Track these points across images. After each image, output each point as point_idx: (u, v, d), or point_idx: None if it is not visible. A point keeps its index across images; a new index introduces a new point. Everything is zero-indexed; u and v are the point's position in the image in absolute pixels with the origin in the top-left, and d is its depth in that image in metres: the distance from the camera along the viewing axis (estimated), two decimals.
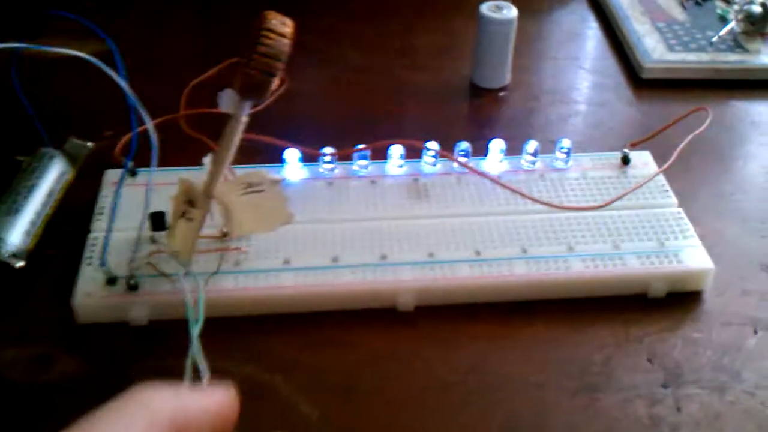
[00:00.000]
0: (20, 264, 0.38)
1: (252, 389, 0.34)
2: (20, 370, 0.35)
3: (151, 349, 0.36)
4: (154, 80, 0.52)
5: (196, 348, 0.31)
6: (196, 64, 0.51)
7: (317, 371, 0.35)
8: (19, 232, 0.39)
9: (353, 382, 0.35)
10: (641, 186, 0.42)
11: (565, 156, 0.44)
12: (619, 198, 0.41)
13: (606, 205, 0.40)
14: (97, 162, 0.44)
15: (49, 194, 0.41)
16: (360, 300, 0.38)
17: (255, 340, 0.36)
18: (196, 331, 0.32)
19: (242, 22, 0.58)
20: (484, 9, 0.51)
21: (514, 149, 0.44)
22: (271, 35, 0.31)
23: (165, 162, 0.40)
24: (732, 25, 0.57)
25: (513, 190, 0.41)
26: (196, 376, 0.30)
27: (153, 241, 0.38)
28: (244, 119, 0.33)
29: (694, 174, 0.46)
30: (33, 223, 0.40)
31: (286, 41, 0.32)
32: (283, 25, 0.32)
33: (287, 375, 0.35)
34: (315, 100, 0.53)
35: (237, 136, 0.34)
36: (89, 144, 0.45)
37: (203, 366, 0.30)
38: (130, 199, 0.41)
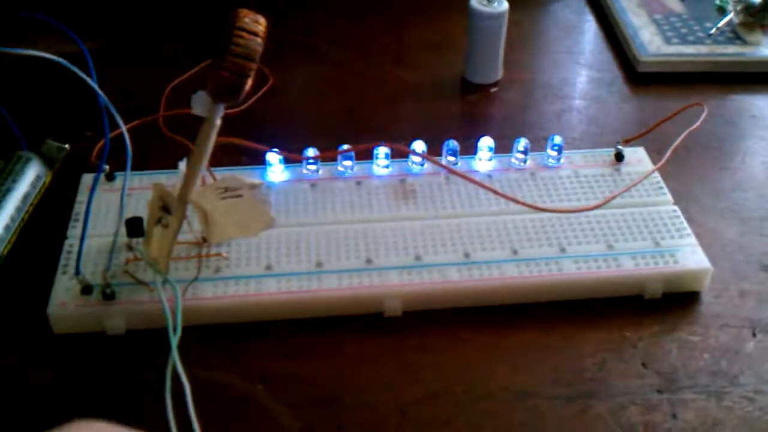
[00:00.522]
0: None
1: (232, 400, 0.33)
2: None
3: (129, 360, 0.35)
4: (135, 80, 0.52)
5: (175, 358, 0.30)
6: (177, 65, 0.50)
7: (299, 380, 0.34)
8: None
9: (336, 391, 0.34)
10: (636, 184, 0.41)
11: (556, 153, 0.43)
12: (612, 198, 0.39)
13: (597, 206, 0.39)
14: (76, 164, 0.43)
15: (25, 198, 0.40)
16: (345, 306, 0.36)
17: (234, 348, 0.35)
18: (174, 341, 0.30)
19: (226, 20, 0.58)
20: (474, 2, 0.49)
21: (506, 147, 0.43)
22: (243, 34, 0.30)
23: (144, 165, 0.39)
24: (731, 16, 0.56)
25: (497, 193, 0.39)
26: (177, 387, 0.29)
27: (130, 248, 0.36)
28: (218, 122, 0.32)
29: (691, 171, 0.45)
30: (7, 229, 0.38)
31: (259, 40, 0.30)
32: (255, 23, 0.30)
33: (268, 384, 0.34)
34: (302, 97, 0.51)
35: (211, 139, 0.32)
36: (66, 146, 0.43)
37: (184, 378, 0.29)
38: (107, 205, 0.40)
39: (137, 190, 0.40)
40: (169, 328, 0.31)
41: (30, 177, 0.41)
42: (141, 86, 0.50)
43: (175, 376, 0.29)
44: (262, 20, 0.30)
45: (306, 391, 0.33)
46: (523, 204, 0.39)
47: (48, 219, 0.40)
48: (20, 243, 0.39)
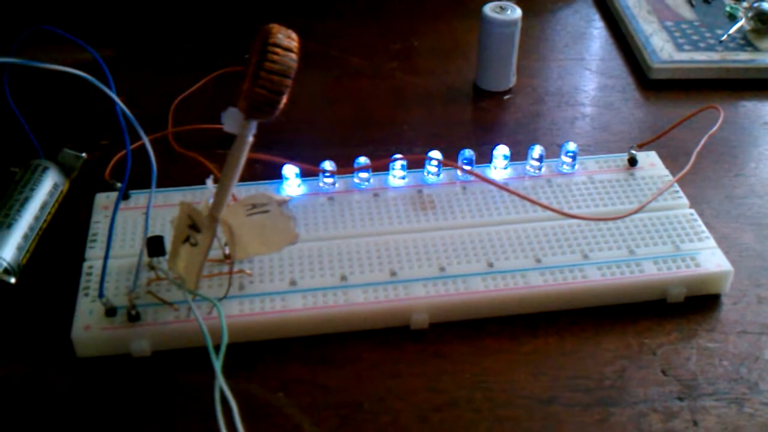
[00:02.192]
0: (12, 280, 0.37)
1: (254, 408, 0.33)
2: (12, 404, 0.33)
3: (156, 382, 0.34)
4: (143, 90, 0.52)
5: (221, 380, 0.29)
6: (183, 78, 0.50)
7: (320, 389, 0.34)
8: (11, 247, 0.38)
9: (357, 400, 0.34)
10: (669, 187, 0.41)
11: (571, 160, 0.43)
12: (641, 208, 0.39)
13: (628, 215, 0.39)
14: (92, 172, 0.43)
15: (43, 207, 0.40)
16: (373, 320, 0.36)
17: (255, 359, 0.35)
18: (218, 365, 0.29)
19: (231, 33, 0.58)
20: (487, 10, 0.50)
21: (519, 154, 0.43)
22: (278, 50, 0.29)
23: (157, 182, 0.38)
24: (742, 23, 0.56)
25: (526, 199, 0.39)
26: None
27: (151, 267, 0.36)
28: (250, 140, 0.32)
29: (704, 177, 0.45)
30: (26, 238, 0.39)
31: (294, 56, 0.30)
32: (288, 38, 0.30)
33: (289, 393, 0.34)
34: (313, 106, 0.51)
35: (243, 157, 0.32)
36: (83, 154, 0.43)
37: (231, 399, 0.29)
38: (123, 223, 0.39)
39: (153, 208, 0.39)
40: (210, 348, 0.30)
41: (48, 186, 0.41)
42: (149, 97, 0.50)
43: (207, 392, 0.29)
44: (294, 35, 0.30)
45: (326, 400, 0.33)
46: (562, 213, 0.38)
47: (66, 229, 0.41)
48: (38, 252, 0.39)
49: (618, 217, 0.39)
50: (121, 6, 0.61)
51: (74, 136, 0.47)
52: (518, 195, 0.39)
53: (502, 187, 0.40)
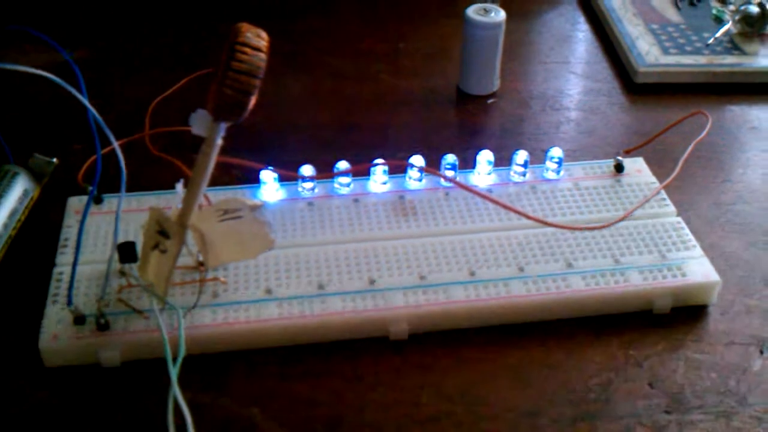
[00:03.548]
0: None
1: (229, 425, 0.32)
2: None
3: (125, 392, 0.33)
4: (118, 92, 0.50)
5: (176, 390, 0.28)
6: (160, 80, 0.49)
7: (297, 403, 0.33)
8: None
9: (336, 413, 0.32)
10: (656, 194, 0.41)
11: (556, 166, 0.42)
12: (626, 216, 0.38)
13: (613, 224, 0.38)
14: (66, 175, 0.42)
15: (12, 215, 0.39)
16: (350, 330, 0.35)
17: (228, 369, 0.34)
18: (174, 374, 0.29)
19: (209, 34, 0.57)
20: (471, 12, 0.49)
21: (503, 159, 0.42)
22: (246, 50, 0.28)
23: (130, 186, 0.37)
24: (728, 26, 0.55)
25: (508, 208, 0.38)
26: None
27: (122, 274, 0.35)
28: (219, 142, 0.31)
29: (691, 183, 0.44)
30: None
31: (263, 55, 0.29)
32: (257, 37, 0.29)
33: (264, 408, 0.33)
34: (294, 108, 0.50)
35: (212, 160, 0.31)
36: (54, 160, 0.42)
37: (185, 409, 0.28)
38: (96, 229, 0.38)
39: (126, 213, 0.38)
40: (168, 359, 0.30)
41: (17, 192, 0.40)
42: (125, 98, 0.49)
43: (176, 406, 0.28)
44: (264, 35, 0.29)
45: (304, 414, 0.32)
46: (545, 223, 0.38)
47: (36, 236, 0.39)
48: (8, 260, 0.38)
49: (602, 226, 0.38)
50: (99, 7, 0.59)
51: (46, 139, 0.45)
52: (500, 204, 0.38)
53: (484, 195, 0.39)
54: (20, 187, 0.40)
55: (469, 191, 0.40)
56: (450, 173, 0.41)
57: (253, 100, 0.29)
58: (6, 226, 0.38)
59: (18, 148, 0.42)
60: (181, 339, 0.30)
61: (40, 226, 0.40)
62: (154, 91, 0.48)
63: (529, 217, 0.38)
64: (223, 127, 0.31)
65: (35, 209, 0.41)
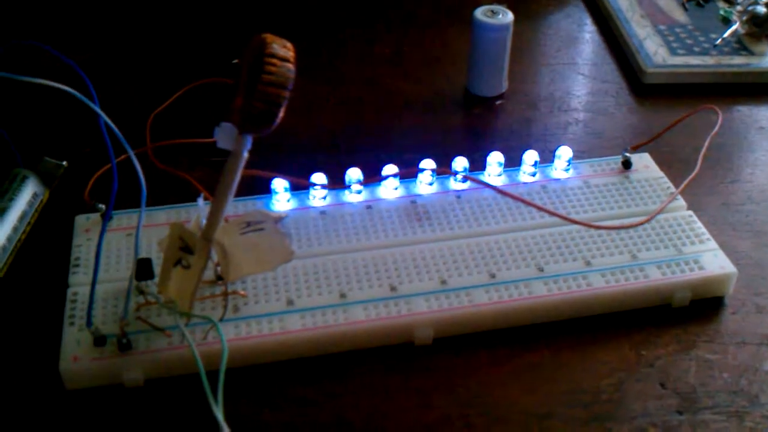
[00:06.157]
0: None
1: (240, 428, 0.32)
2: None
3: (151, 412, 0.33)
4: (120, 100, 0.50)
5: (219, 408, 0.28)
6: (156, 93, 0.49)
7: (308, 408, 0.33)
8: None
9: (348, 418, 0.32)
10: (681, 191, 0.40)
11: (566, 165, 0.42)
12: (661, 210, 0.39)
13: (639, 224, 0.38)
14: (73, 182, 0.42)
15: (22, 217, 0.39)
16: (375, 338, 0.35)
17: (246, 374, 0.34)
18: (220, 386, 0.28)
19: (206, 44, 0.56)
20: (479, 14, 0.49)
21: (512, 160, 0.42)
22: (275, 61, 0.28)
23: (132, 202, 0.36)
24: (736, 26, 0.55)
25: (533, 205, 0.38)
26: None
27: (140, 291, 0.34)
28: (245, 155, 0.30)
29: (700, 184, 0.44)
30: (4, 250, 0.37)
31: (291, 66, 0.28)
32: (284, 48, 0.28)
33: (274, 411, 0.33)
34: (301, 114, 0.50)
35: (238, 174, 0.30)
36: (63, 163, 0.42)
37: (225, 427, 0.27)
38: (108, 246, 0.37)
39: (132, 229, 0.37)
40: (203, 376, 0.29)
41: (27, 195, 0.40)
42: (123, 111, 0.49)
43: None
44: (289, 45, 0.29)
45: (315, 417, 0.32)
46: (572, 221, 0.37)
47: (46, 240, 0.39)
48: (17, 265, 0.38)
49: (629, 225, 0.38)
50: (91, 16, 0.59)
51: (55, 143, 0.45)
52: (524, 201, 0.38)
53: (510, 195, 0.38)
54: (30, 190, 0.40)
55: (495, 190, 0.39)
56: (460, 176, 0.41)
57: (282, 112, 0.29)
58: (16, 229, 0.38)
59: (27, 151, 0.42)
60: (224, 349, 0.30)
61: (48, 236, 0.40)
62: (152, 104, 0.48)
63: (553, 213, 0.38)
64: (250, 139, 0.30)
65: (42, 217, 0.41)
